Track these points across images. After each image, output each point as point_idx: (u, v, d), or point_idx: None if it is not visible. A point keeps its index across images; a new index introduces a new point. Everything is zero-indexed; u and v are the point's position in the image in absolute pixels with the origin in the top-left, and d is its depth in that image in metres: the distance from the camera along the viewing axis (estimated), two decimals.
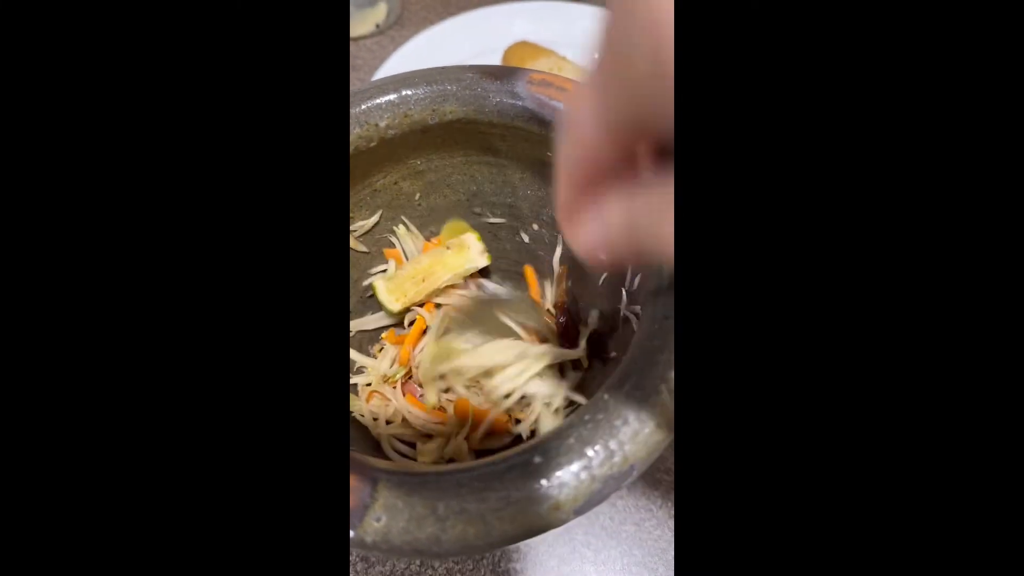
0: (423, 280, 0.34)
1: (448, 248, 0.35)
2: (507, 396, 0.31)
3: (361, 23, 0.61)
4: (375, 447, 0.31)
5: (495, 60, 0.57)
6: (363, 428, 0.32)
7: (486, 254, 0.35)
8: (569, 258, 0.36)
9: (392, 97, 0.30)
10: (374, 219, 0.35)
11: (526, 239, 0.37)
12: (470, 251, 0.35)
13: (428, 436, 0.32)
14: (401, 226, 0.36)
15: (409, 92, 0.30)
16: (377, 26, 0.62)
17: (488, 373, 0.32)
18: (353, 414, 0.32)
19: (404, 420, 0.32)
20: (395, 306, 0.34)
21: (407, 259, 0.36)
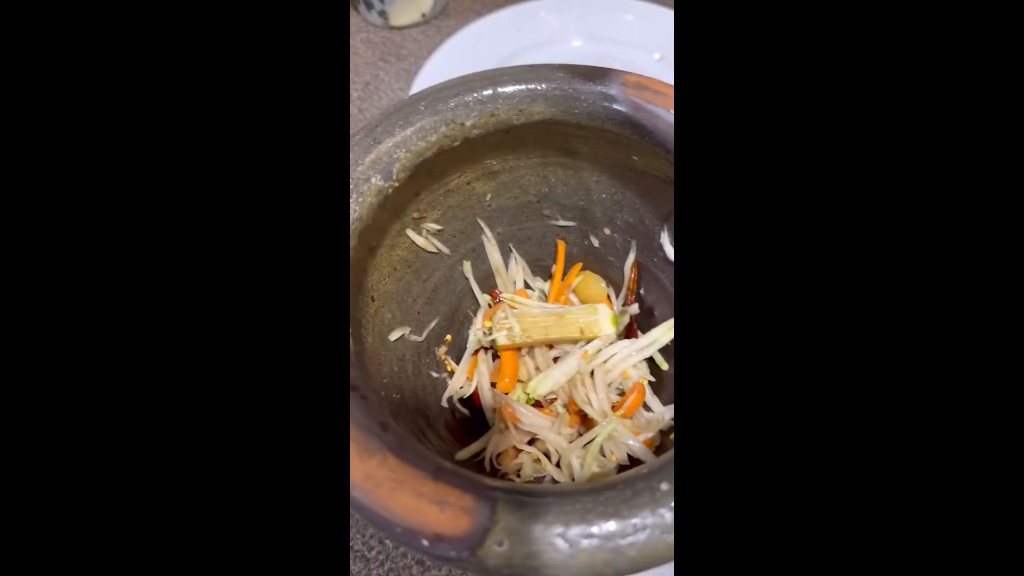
0: (545, 332, 0.33)
1: (576, 306, 0.35)
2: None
3: (407, 12, 0.59)
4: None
5: (546, 56, 0.55)
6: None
7: (614, 323, 0.34)
8: (639, 262, 0.35)
9: (481, 95, 0.29)
10: (446, 219, 0.34)
11: (596, 243, 0.36)
12: (599, 321, 0.34)
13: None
14: (513, 260, 0.36)
15: (498, 90, 0.29)
16: (423, 15, 0.60)
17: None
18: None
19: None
20: (503, 341, 0.34)
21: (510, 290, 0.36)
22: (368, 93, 0.55)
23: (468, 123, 0.29)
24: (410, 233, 0.32)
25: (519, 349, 0.35)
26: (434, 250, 0.34)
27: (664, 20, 0.56)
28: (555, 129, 0.30)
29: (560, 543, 0.18)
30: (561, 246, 0.37)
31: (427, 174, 0.30)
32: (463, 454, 0.31)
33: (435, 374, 0.34)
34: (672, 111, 0.27)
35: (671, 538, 0.18)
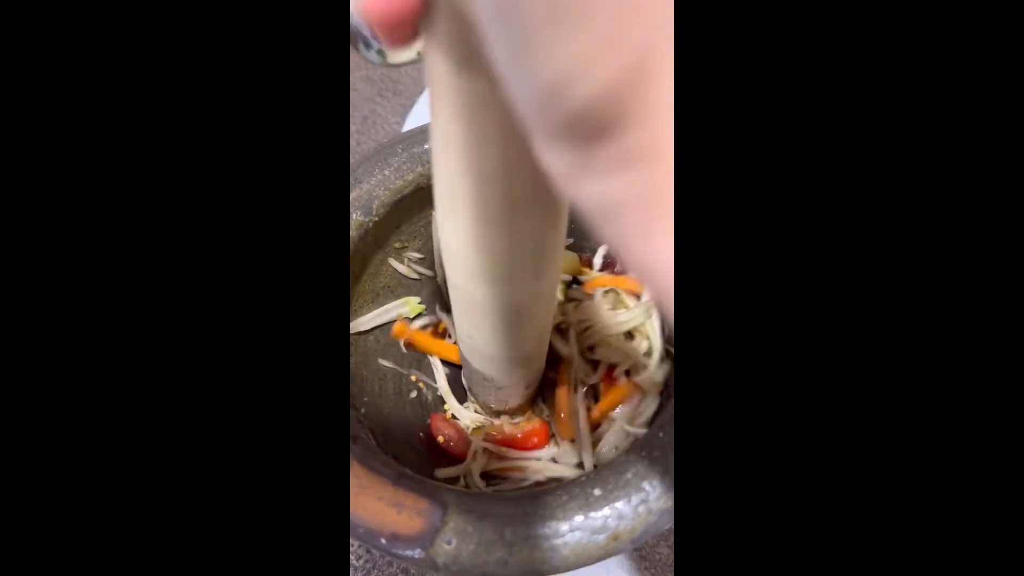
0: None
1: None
2: None
3: (404, 51, 0.63)
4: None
5: None
6: None
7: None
8: None
9: None
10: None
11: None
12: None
13: None
14: None
15: None
16: (419, 54, 0.64)
17: None
18: None
19: None
20: None
21: None
22: (366, 127, 0.59)
23: None
24: (392, 262, 0.35)
25: None
26: (416, 276, 0.37)
27: None
28: None
29: (500, 543, 0.20)
30: None
31: (407, 209, 0.33)
32: (441, 473, 0.32)
33: (413, 395, 0.36)
34: None
35: (601, 538, 0.20)
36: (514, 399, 0.32)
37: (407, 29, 0.15)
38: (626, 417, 0.32)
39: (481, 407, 0.35)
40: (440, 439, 0.33)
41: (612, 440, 0.31)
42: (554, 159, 0.12)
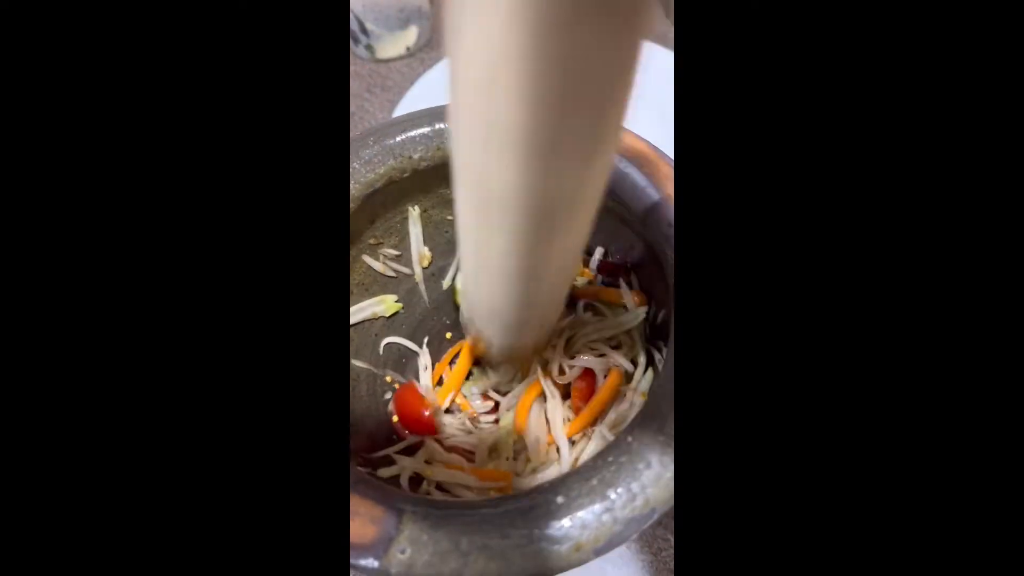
0: None
1: None
2: None
3: (392, 46, 0.62)
4: None
5: None
6: None
7: None
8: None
9: (426, 130, 0.31)
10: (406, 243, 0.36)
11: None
12: None
13: None
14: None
15: (442, 126, 0.31)
16: (408, 48, 0.63)
17: None
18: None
19: None
20: None
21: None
22: (354, 123, 0.58)
23: (416, 156, 0.31)
24: (366, 259, 0.34)
25: None
26: (392, 274, 0.36)
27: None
28: None
29: (456, 553, 0.19)
30: None
31: (380, 203, 0.32)
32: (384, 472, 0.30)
33: (388, 396, 0.35)
34: None
35: (563, 549, 0.19)
36: (526, 340, 0.29)
37: None
38: (608, 423, 0.31)
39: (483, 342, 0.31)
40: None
41: (593, 450, 0.30)
42: None
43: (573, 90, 0.13)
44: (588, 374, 0.33)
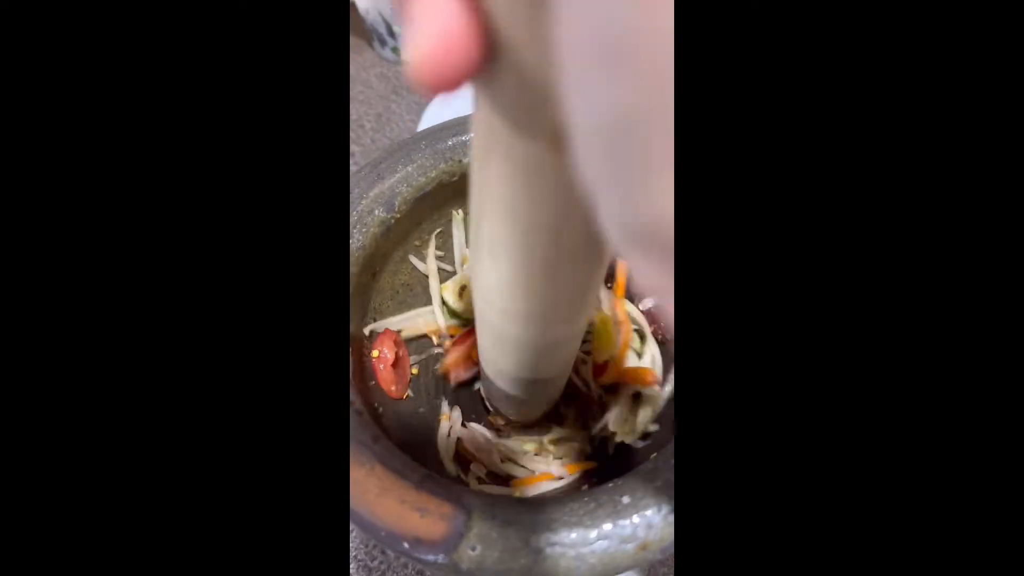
0: None
1: None
2: None
3: None
4: None
5: None
6: None
7: None
8: None
9: None
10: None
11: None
12: None
13: None
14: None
15: None
16: None
17: None
18: None
19: None
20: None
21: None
22: (380, 124, 0.58)
23: (466, 160, 0.32)
24: (412, 259, 0.35)
25: None
26: (435, 274, 0.37)
27: None
28: None
29: (526, 551, 0.20)
30: None
31: (429, 206, 0.33)
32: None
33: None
34: None
35: (630, 548, 0.20)
36: (536, 412, 0.32)
37: (459, 84, 0.13)
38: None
39: (501, 418, 0.34)
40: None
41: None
42: (637, 266, 0.12)
43: (561, 297, 0.20)
44: None
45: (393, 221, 0.31)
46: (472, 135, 0.16)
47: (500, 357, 0.25)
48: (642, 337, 0.34)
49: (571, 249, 0.17)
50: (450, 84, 0.12)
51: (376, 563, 0.38)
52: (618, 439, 0.32)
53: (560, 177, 0.14)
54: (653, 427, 0.32)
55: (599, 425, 0.33)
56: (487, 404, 0.34)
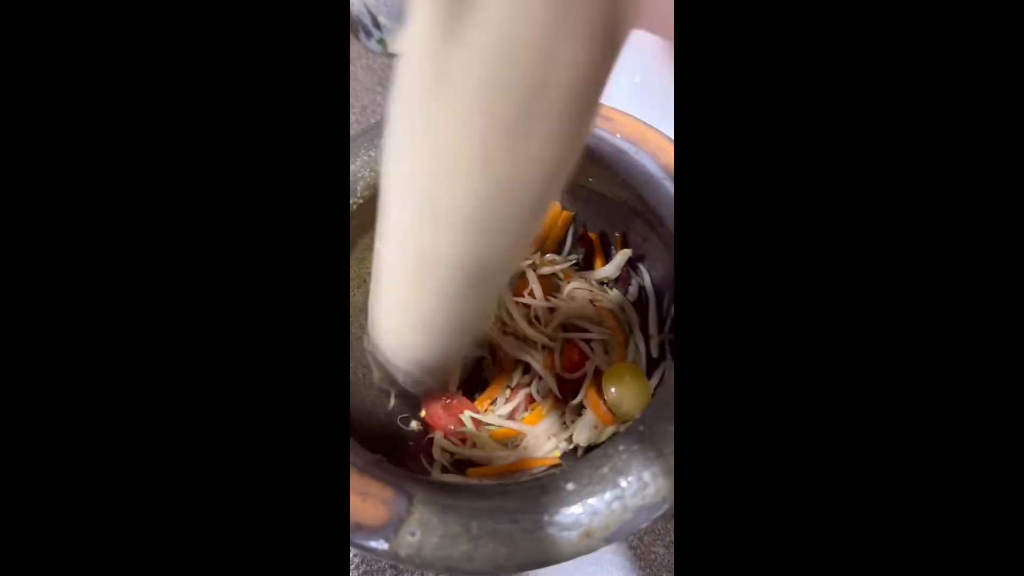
0: None
1: None
2: None
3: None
4: None
5: None
6: None
7: None
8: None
9: None
10: None
11: None
12: None
13: None
14: None
15: None
16: None
17: None
18: None
19: None
20: None
21: None
22: (365, 116, 0.58)
23: None
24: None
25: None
26: None
27: (645, 43, 0.58)
28: None
29: (465, 537, 0.19)
30: None
31: None
32: None
33: None
34: (618, 135, 0.29)
35: (573, 535, 0.19)
36: (435, 387, 0.32)
37: None
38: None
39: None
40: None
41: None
42: None
43: (521, 173, 0.16)
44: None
45: (355, 207, 0.30)
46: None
47: (405, 315, 0.23)
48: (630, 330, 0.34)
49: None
50: None
51: (357, 560, 0.37)
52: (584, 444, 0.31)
53: None
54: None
55: (566, 434, 0.32)
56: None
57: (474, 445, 0.32)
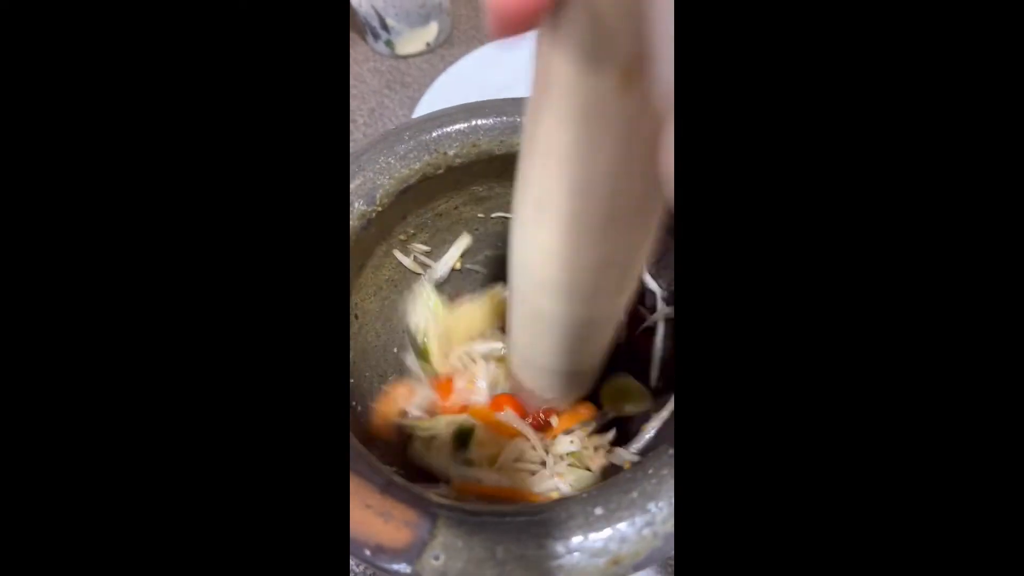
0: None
1: None
2: None
3: (412, 42, 0.62)
4: None
5: None
6: None
7: None
8: None
9: (462, 126, 0.30)
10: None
11: None
12: None
13: None
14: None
15: (479, 122, 0.30)
16: (428, 44, 0.63)
17: None
18: None
19: None
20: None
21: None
22: (373, 119, 0.57)
23: (451, 152, 0.31)
24: (396, 254, 0.34)
25: None
26: (420, 271, 0.36)
27: None
28: None
29: (491, 562, 0.19)
30: None
31: (412, 199, 0.32)
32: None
33: None
34: None
35: (601, 562, 0.19)
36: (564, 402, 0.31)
37: (529, 21, 0.13)
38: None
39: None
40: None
41: None
42: None
43: (607, 267, 0.19)
44: None
45: (374, 214, 0.30)
46: (533, 92, 0.16)
47: (531, 342, 0.25)
48: None
49: (623, 213, 0.17)
50: (526, 21, 0.13)
51: (361, 568, 0.37)
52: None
53: (622, 124, 0.14)
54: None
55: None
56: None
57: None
